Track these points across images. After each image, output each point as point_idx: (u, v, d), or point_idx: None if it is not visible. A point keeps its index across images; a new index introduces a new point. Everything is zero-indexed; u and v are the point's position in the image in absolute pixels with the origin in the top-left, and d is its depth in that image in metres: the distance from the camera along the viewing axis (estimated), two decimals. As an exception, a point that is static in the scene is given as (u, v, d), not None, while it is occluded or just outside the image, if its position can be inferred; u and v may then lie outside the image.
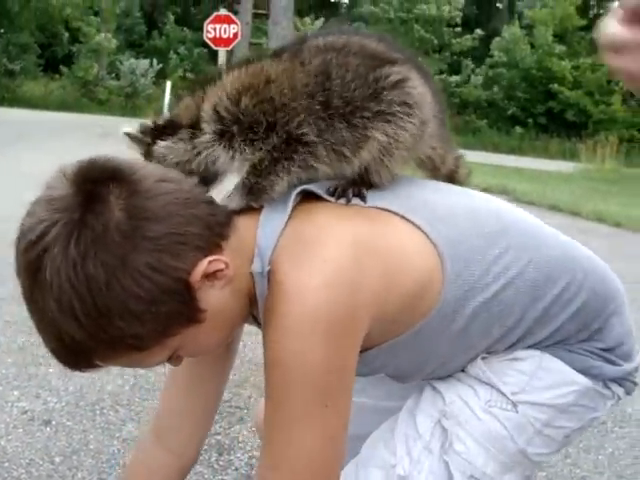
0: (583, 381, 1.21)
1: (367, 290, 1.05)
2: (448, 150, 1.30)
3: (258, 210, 1.13)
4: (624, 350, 1.25)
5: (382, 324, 1.10)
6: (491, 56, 28.07)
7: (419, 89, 1.15)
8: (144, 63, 26.21)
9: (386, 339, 1.15)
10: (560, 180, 13.84)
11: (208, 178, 1.16)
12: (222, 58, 16.90)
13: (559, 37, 28.74)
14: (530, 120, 26.56)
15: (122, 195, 0.98)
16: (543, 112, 26.75)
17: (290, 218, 1.10)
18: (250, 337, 3.39)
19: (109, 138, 14.38)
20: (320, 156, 1.12)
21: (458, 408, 1.21)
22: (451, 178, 1.33)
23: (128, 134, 1.18)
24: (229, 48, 17.86)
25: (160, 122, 1.17)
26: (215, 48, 17.26)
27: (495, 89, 25.92)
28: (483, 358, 1.21)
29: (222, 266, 1.04)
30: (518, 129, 25.43)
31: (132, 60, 26.31)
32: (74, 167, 1.02)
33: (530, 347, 1.20)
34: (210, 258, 1.03)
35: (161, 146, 1.14)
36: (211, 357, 1.35)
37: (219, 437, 2.47)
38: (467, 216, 1.19)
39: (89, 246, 0.96)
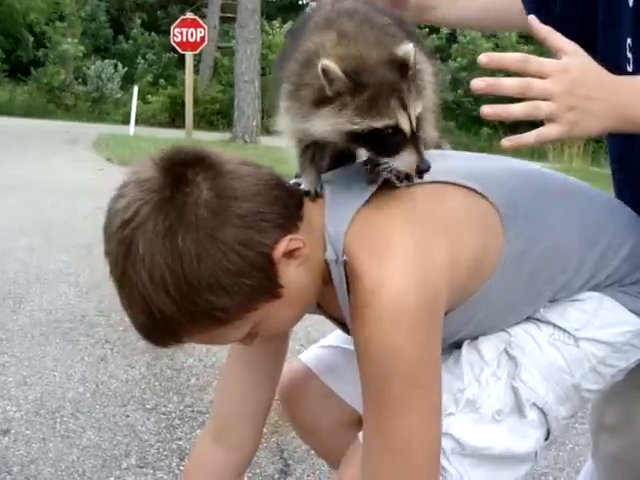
0: (637, 321, 1.29)
1: (440, 268, 1.10)
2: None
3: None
4: None
5: (453, 291, 1.14)
6: (454, 59, 28.24)
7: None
8: (109, 65, 25.98)
9: (459, 303, 1.19)
10: (527, 180, 13.95)
11: None
12: (189, 62, 16.83)
13: (525, 38, 29.01)
14: (497, 121, 26.67)
15: (209, 176, 1.04)
16: (511, 113, 26.92)
17: (361, 209, 1.13)
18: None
19: (76, 144, 14.33)
20: None
21: (523, 339, 1.26)
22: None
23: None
24: (196, 52, 17.83)
25: None
26: (182, 52, 17.18)
27: (460, 91, 26.04)
28: (545, 307, 1.27)
29: (300, 245, 1.10)
30: (486, 130, 25.58)
31: (97, 63, 26.05)
32: (160, 153, 1.09)
33: (590, 289, 1.28)
34: (290, 236, 1.09)
35: None
36: (262, 361, 1.41)
37: (180, 442, 2.46)
38: (513, 176, 1.29)
39: (180, 222, 1.01)
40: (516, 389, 1.23)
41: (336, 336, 1.54)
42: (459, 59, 27.99)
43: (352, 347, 1.48)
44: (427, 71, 1.15)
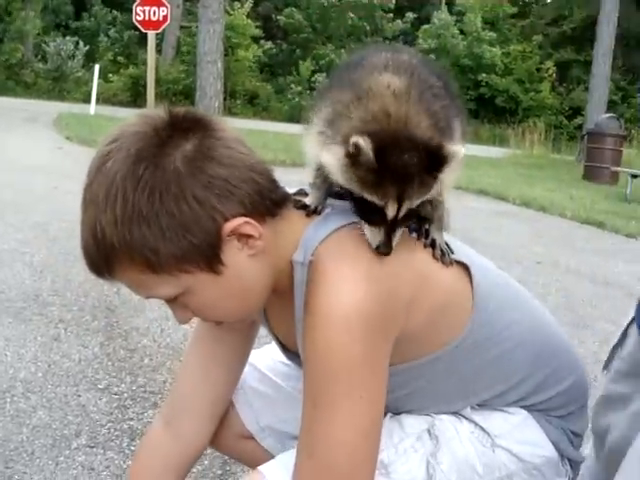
0: (553, 451, 1.30)
1: (404, 290, 1.10)
2: None
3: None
4: (581, 442, 1.37)
5: (406, 338, 1.13)
6: (420, 43, 28.29)
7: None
8: (70, 42, 25.52)
9: (405, 359, 1.18)
10: (489, 165, 14.08)
11: None
12: (152, 41, 16.60)
13: (490, 24, 29.18)
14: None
15: (200, 135, 1.08)
16: (473, 98, 27.13)
17: (347, 225, 1.13)
18: (167, 322, 3.37)
19: (35, 122, 14.11)
20: None
21: (446, 426, 1.26)
22: None
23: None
24: (159, 31, 17.52)
25: None
26: (144, 31, 16.92)
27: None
28: (473, 408, 1.27)
29: (255, 233, 1.10)
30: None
31: (58, 40, 25.57)
32: (176, 108, 1.14)
33: (520, 407, 1.29)
34: (247, 219, 1.08)
35: None
36: (225, 346, 1.39)
37: (132, 422, 2.44)
38: (491, 271, 1.30)
39: (152, 156, 1.05)
40: (431, 466, 1.22)
41: (266, 360, 1.54)
42: (429, 40, 28.02)
43: (275, 378, 1.52)
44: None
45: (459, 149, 1.06)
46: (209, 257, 1.09)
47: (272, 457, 1.48)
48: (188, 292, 1.12)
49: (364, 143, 1.02)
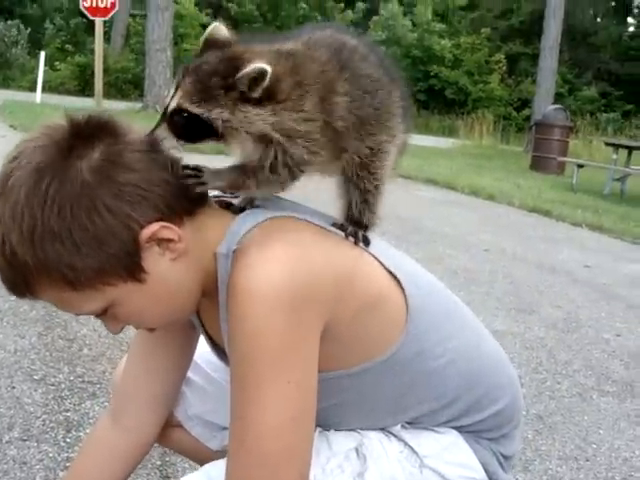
0: (482, 473, 1.27)
1: (327, 279, 1.07)
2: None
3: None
4: (511, 464, 1.34)
5: (334, 338, 1.09)
6: (376, 31, 28.31)
7: None
8: (13, 27, 24.91)
9: (334, 366, 1.14)
10: (439, 155, 14.15)
11: None
12: (99, 28, 16.29)
13: (440, 16, 29.33)
14: (410, 97, 26.98)
15: (106, 142, 1.05)
16: (424, 90, 27.27)
17: (274, 218, 1.10)
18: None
19: (-24, 110, 13.72)
20: None
21: (374, 444, 1.22)
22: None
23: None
24: (107, 18, 17.23)
25: None
26: (92, 18, 16.59)
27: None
28: (403, 426, 1.24)
29: (174, 236, 1.06)
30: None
31: (0, 24, 24.95)
32: (75, 115, 1.09)
33: (451, 427, 1.25)
34: (164, 223, 1.05)
35: None
36: (168, 339, 1.35)
37: (68, 414, 2.36)
38: (429, 283, 1.27)
39: (57, 169, 1.01)
40: None
41: (199, 350, 1.47)
42: (379, 32, 28.04)
43: (206, 368, 1.48)
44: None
45: (263, 67, 1.02)
46: (129, 267, 1.06)
47: (202, 445, 1.45)
48: (115, 304, 1.09)
49: None
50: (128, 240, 1.04)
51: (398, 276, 1.16)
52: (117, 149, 1.05)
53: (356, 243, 1.15)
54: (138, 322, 1.18)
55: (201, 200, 1.13)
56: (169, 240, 1.07)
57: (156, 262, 1.07)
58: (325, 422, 1.21)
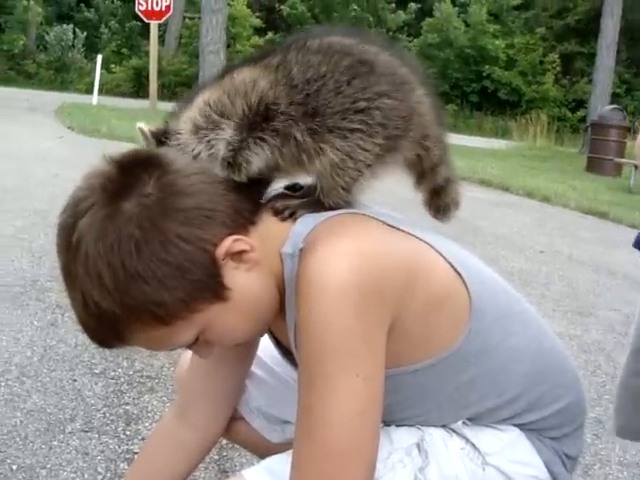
0: (545, 472, 1.24)
1: (394, 275, 1.07)
2: (444, 160, 1.24)
3: None
4: (575, 465, 1.32)
5: (401, 332, 1.09)
6: (424, 35, 28.18)
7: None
8: (68, 31, 25.43)
9: (397, 363, 1.13)
10: (492, 157, 14.03)
11: None
12: (154, 32, 16.55)
13: (494, 16, 29.04)
14: (463, 98, 26.81)
15: (155, 174, 1.05)
16: (477, 91, 27.04)
17: (337, 215, 1.11)
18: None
19: (37, 112, 14.06)
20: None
21: (436, 441, 1.21)
22: (434, 195, 1.26)
23: (141, 129, 1.19)
24: (161, 21, 17.53)
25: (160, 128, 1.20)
26: (147, 21, 16.87)
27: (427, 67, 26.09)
28: (464, 423, 1.22)
29: (247, 247, 1.08)
30: (453, 107, 25.62)
31: (56, 28, 25.48)
32: (117, 154, 1.10)
33: (512, 425, 1.23)
34: (235, 237, 1.07)
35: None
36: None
37: (127, 407, 2.40)
38: (491, 279, 1.25)
39: (117, 214, 1.01)
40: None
41: (262, 343, 1.47)
42: (430, 36, 27.90)
43: (269, 362, 1.48)
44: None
45: None
46: (214, 288, 1.07)
47: (262, 438, 1.45)
48: (205, 330, 1.10)
49: None
50: (207, 262, 1.05)
51: (462, 273, 1.15)
52: (169, 179, 1.06)
53: None
54: (231, 340, 1.18)
55: (258, 207, 1.14)
56: (242, 252, 1.08)
57: (234, 276, 1.08)
58: (387, 418, 1.21)
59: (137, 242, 1.01)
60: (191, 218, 1.04)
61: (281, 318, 1.16)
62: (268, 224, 1.13)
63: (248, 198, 1.13)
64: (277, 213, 1.15)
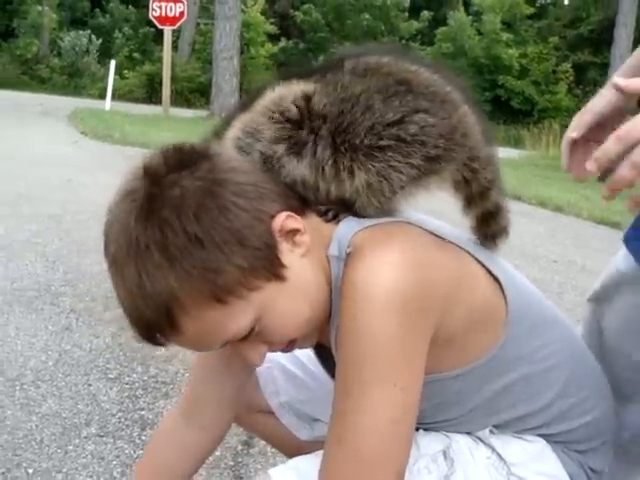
0: None
1: (439, 285, 1.06)
2: (495, 184, 1.18)
3: None
4: (600, 479, 1.29)
5: (443, 340, 1.09)
6: (438, 44, 28.20)
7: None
8: (83, 37, 25.57)
9: (436, 369, 1.13)
10: (505, 166, 13.67)
11: None
12: (168, 38, 16.62)
13: (507, 25, 29.05)
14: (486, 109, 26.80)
15: (212, 158, 1.06)
16: (490, 99, 27.02)
17: (380, 224, 1.10)
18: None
19: (49, 116, 14.13)
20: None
21: (462, 449, 1.21)
22: (483, 222, 1.20)
23: None
24: (175, 27, 17.59)
25: None
26: (161, 27, 16.95)
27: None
28: (491, 431, 1.21)
29: (299, 226, 1.07)
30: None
31: (71, 34, 25.63)
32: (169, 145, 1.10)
33: (538, 435, 1.23)
34: (289, 213, 1.06)
35: None
36: None
37: (143, 412, 2.41)
38: (527, 286, 1.25)
39: (180, 185, 1.01)
40: None
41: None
42: (444, 45, 27.92)
43: (302, 358, 1.49)
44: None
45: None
46: (271, 261, 1.05)
47: (290, 434, 1.45)
48: (262, 314, 1.06)
49: None
50: (263, 232, 1.04)
51: (501, 280, 1.15)
52: (224, 160, 1.07)
53: None
54: (284, 333, 1.13)
55: (302, 205, 1.13)
56: (295, 232, 1.07)
57: (289, 258, 1.07)
58: (418, 421, 1.21)
59: (196, 210, 1.00)
60: (246, 191, 1.04)
61: (326, 321, 1.15)
62: (312, 223, 1.12)
63: (294, 195, 1.12)
64: (321, 214, 1.14)
